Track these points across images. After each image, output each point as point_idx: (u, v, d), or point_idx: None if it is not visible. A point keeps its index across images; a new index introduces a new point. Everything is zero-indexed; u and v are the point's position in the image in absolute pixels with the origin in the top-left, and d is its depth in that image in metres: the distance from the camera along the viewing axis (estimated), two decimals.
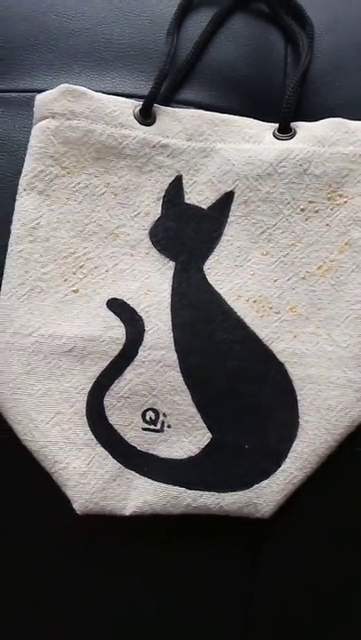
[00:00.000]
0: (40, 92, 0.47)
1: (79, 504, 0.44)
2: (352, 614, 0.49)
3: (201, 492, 0.44)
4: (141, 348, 0.44)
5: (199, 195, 0.46)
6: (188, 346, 0.44)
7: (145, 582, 0.48)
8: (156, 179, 0.46)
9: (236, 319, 0.45)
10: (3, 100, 0.50)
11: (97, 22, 0.52)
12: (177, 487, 0.44)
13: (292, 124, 0.47)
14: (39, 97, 0.46)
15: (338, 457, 0.45)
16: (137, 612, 0.48)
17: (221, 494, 0.44)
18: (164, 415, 0.44)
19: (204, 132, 0.47)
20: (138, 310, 0.45)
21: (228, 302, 0.45)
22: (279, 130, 0.47)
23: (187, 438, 0.44)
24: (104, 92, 0.47)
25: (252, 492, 0.44)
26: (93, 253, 0.45)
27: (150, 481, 0.44)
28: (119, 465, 0.44)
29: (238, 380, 0.44)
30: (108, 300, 0.45)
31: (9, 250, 0.45)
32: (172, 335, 0.44)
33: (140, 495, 0.44)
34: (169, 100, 0.49)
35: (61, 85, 0.46)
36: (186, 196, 0.46)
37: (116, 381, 0.44)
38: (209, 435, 0.44)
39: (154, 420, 0.44)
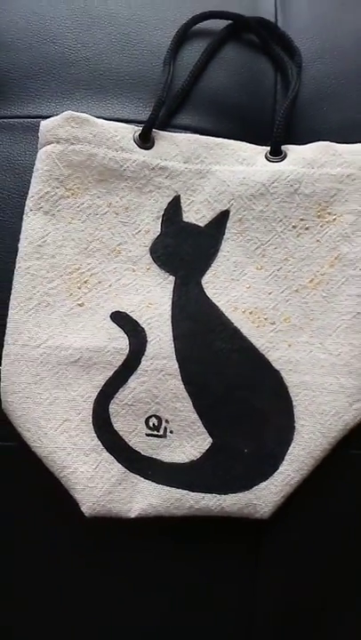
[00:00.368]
0: (44, 117, 0.47)
1: (87, 507, 0.44)
2: (354, 614, 0.49)
3: (203, 495, 0.45)
4: (144, 357, 0.45)
5: (196, 213, 0.47)
6: (189, 355, 0.45)
7: (149, 583, 0.48)
8: (155, 199, 0.47)
9: (233, 329, 0.46)
10: (8, 126, 0.51)
11: (97, 52, 0.53)
12: (180, 490, 0.45)
13: (283, 147, 0.49)
14: (44, 123, 0.47)
15: (333, 459, 0.46)
16: (140, 612, 0.48)
17: (222, 496, 0.44)
18: (167, 421, 0.45)
19: (200, 155, 0.48)
20: (140, 322, 0.46)
21: (226, 314, 0.46)
22: (271, 153, 0.48)
23: (188, 443, 0.45)
24: (105, 118, 0.48)
25: (251, 493, 0.45)
26: (97, 269, 0.46)
27: (154, 484, 0.45)
28: (124, 469, 0.45)
29: (237, 387, 0.45)
30: (112, 313, 0.46)
31: (17, 266, 0.46)
32: (173, 345, 0.45)
33: (144, 498, 0.44)
34: (166, 125, 0.50)
35: (65, 112, 0.46)
36: (184, 215, 0.47)
37: (121, 390, 0.45)
38: (210, 439, 0.45)
39: (157, 427, 0.45)
